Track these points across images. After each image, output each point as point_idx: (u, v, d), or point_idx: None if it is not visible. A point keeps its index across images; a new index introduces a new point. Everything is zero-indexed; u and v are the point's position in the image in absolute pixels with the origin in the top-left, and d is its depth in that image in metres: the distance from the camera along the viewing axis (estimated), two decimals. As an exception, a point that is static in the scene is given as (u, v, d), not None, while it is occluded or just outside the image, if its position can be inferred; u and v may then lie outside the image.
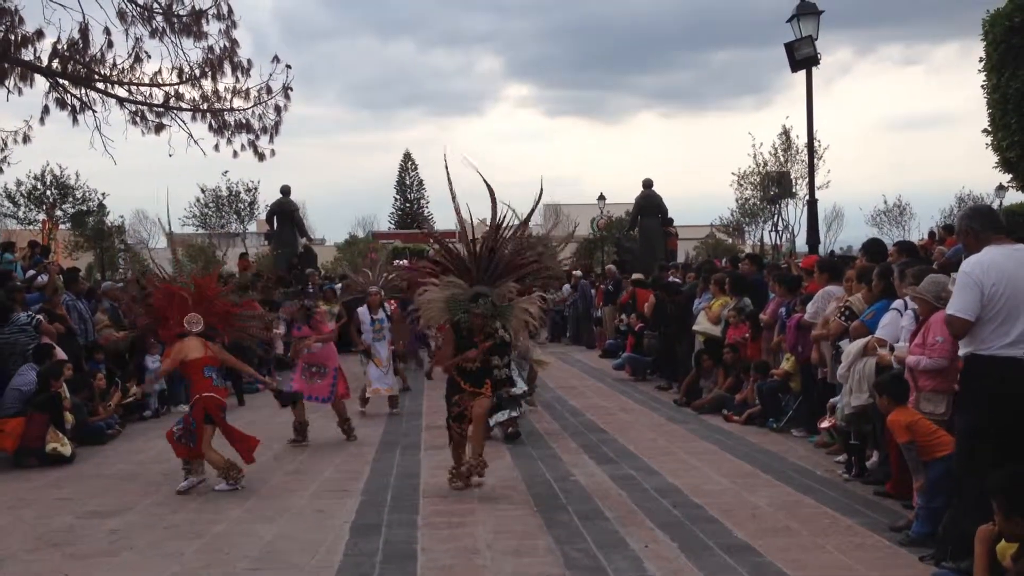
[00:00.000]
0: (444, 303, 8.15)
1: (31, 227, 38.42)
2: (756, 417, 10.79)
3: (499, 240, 8.30)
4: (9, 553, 6.39)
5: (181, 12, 15.15)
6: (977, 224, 5.65)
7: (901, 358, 6.71)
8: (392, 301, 13.68)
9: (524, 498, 7.63)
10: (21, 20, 14.46)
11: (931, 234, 21.52)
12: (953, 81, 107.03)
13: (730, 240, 48.40)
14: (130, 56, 15.23)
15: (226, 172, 45.25)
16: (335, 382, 10.59)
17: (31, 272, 14.95)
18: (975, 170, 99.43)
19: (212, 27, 15.28)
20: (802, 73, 16.60)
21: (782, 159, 42.55)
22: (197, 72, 15.58)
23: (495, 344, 8.01)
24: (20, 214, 40.94)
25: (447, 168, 8.35)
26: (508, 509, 7.24)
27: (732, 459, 9.01)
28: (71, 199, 41.50)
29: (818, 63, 16.44)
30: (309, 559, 6.05)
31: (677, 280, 16.18)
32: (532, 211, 8.84)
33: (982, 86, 20.07)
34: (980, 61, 19.80)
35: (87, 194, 41.55)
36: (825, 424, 8.74)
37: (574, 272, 23.65)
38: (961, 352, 5.59)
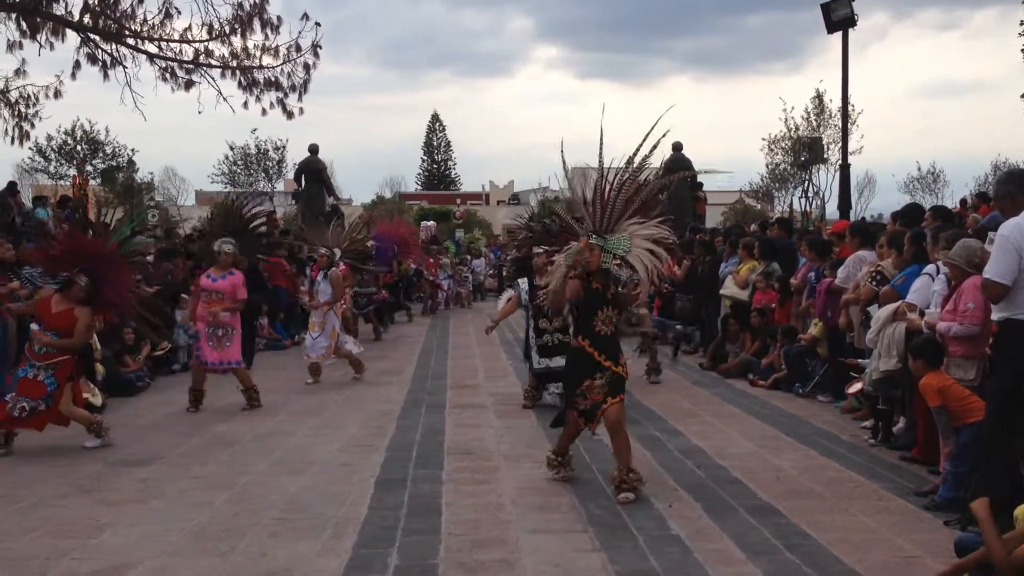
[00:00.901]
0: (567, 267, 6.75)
1: (62, 182, 38.79)
2: (782, 382, 10.75)
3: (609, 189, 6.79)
4: (41, 498, 6.52)
5: (211, -33, 15.12)
6: (1015, 187, 5.56)
7: (932, 324, 6.63)
8: (344, 265, 13.20)
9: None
10: (52, -26, 14.51)
11: (963, 202, 21.17)
12: (991, 47, 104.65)
13: (759, 206, 47.93)
14: (160, 12, 15.29)
15: (255, 130, 45.29)
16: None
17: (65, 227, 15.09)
18: (1012, 137, 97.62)
19: (242, -17, 15.25)
20: (836, 37, 16.43)
21: (814, 124, 41.96)
22: (227, 29, 15.58)
23: (616, 294, 6.58)
24: (51, 169, 41.31)
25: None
26: (533, 467, 7.27)
27: (757, 422, 8.99)
28: (101, 154, 41.78)
29: (855, 24, 16.20)
30: (335, 511, 6.11)
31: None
32: (640, 152, 6.89)
33: (1022, 50, 19.69)
34: (1021, 24, 19.40)
35: (117, 150, 41.85)
36: (853, 389, 8.68)
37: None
38: (995, 317, 5.52)
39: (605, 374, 6.45)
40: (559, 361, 8.98)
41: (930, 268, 7.22)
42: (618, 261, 6.59)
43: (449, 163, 79.53)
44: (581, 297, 6.51)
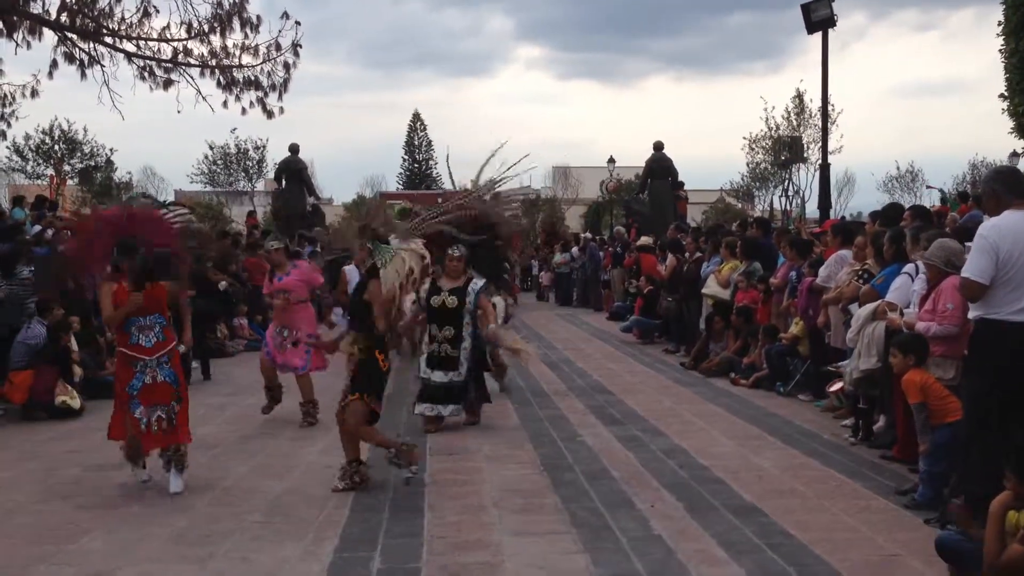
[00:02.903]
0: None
1: (39, 182, 38.46)
2: (763, 381, 10.79)
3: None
4: (18, 504, 6.45)
5: (189, -34, 15.02)
6: (1000, 186, 5.54)
7: (910, 324, 6.67)
8: None
9: (531, 457, 7.66)
10: (29, -27, 14.36)
11: (943, 200, 21.38)
12: (969, 47, 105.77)
13: (740, 205, 48.18)
14: (138, 11, 15.13)
15: (234, 129, 45.09)
16: (310, 350, 9.22)
17: (37, 227, 14.94)
18: (989, 137, 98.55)
19: (221, -18, 15.15)
20: (816, 38, 16.50)
21: (795, 123, 42.24)
22: (206, 28, 15.46)
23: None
24: (28, 169, 40.95)
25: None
26: (515, 468, 7.27)
27: (739, 422, 9.01)
28: (79, 154, 41.45)
29: (835, 24, 16.28)
30: (317, 514, 6.08)
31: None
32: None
33: (999, 50, 19.87)
34: (999, 25, 19.58)
35: (95, 149, 41.54)
36: (834, 388, 8.73)
37: (582, 234, 23.61)
38: (971, 316, 5.56)
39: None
40: (439, 377, 8.69)
41: (909, 267, 7.27)
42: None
43: (431, 162, 79.42)
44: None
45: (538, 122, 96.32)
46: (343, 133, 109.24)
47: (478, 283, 8.85)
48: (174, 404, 6.77)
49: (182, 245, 7.41)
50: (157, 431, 6.70)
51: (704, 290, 12.90)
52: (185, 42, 15.55)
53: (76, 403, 9.66)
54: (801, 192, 42.79)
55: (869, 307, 7.53)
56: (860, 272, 8.21)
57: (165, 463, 6.81)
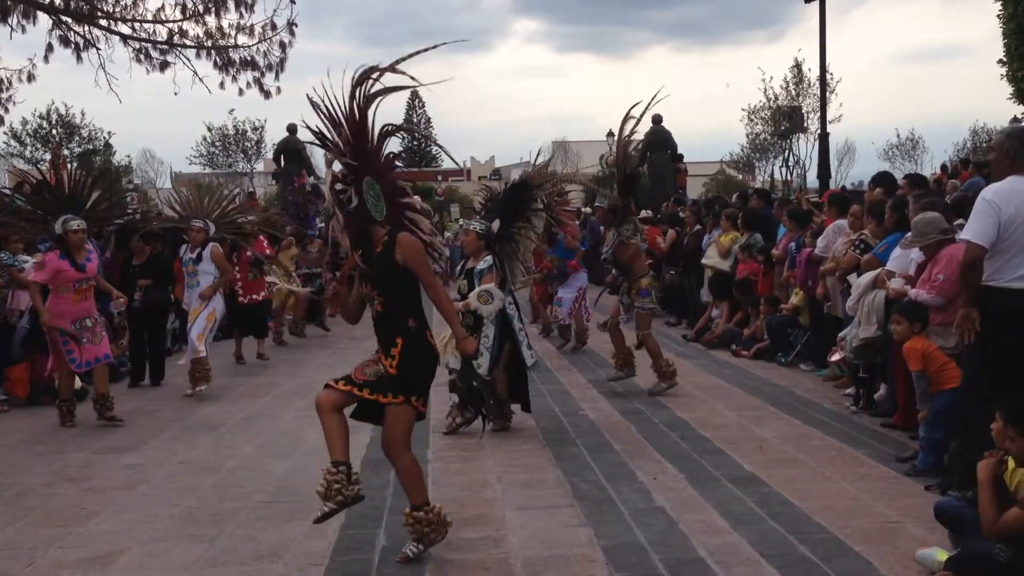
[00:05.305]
0: None
1: (38, 166, 38.37)
2: (765, 352, 10.83)
3: None
4: (27, 487, 6.50)
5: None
6: (1020, 147, 5.33)
7: (901, 291, 6.69)
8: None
9: (533, 432, 7.71)
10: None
11: (944, 168, 21.31)
12: (968, 12, 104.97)
13: (740, 176, 48.07)
14: (132, -8, 15.09)
15: (232, 110, 45.12)
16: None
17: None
18: (990, 103, 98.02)
19: (214, -39, 15.11)
20: (816, 5, 16.35)
21: (793, 93, 42.07)
22: (200, 8, 15.46)
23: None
24: (27, 153, 40.93)
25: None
26: (517, 443, 7.32)
27: (740, 393, 9.06)
28: (77, 138, 41.42)
29: (831, -7, 16.14)
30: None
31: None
32: None
33: (998, 16, 19.73)
34: (997, -11, 19.41)
35: (93, 133, 41.51)
36: (835, 357, 8.76)
37: (583, 208, 23.58)
38: (971, 282, 5.55)
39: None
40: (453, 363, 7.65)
41: (910, 235, 7.26)
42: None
43: (429, 140, 79.15)
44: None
45: (538, 96, 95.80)
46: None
47: (486, 262, 7.59)
48: None
49: None
50: None
51: (704, 260, 12.91)
52: (180, 23, 15.58)
53: (77, 384, 9.65)
54: (801, 162, 42.72)
55: (869, 275, 7.54)
56: (856, 242, 8.21)
57: None
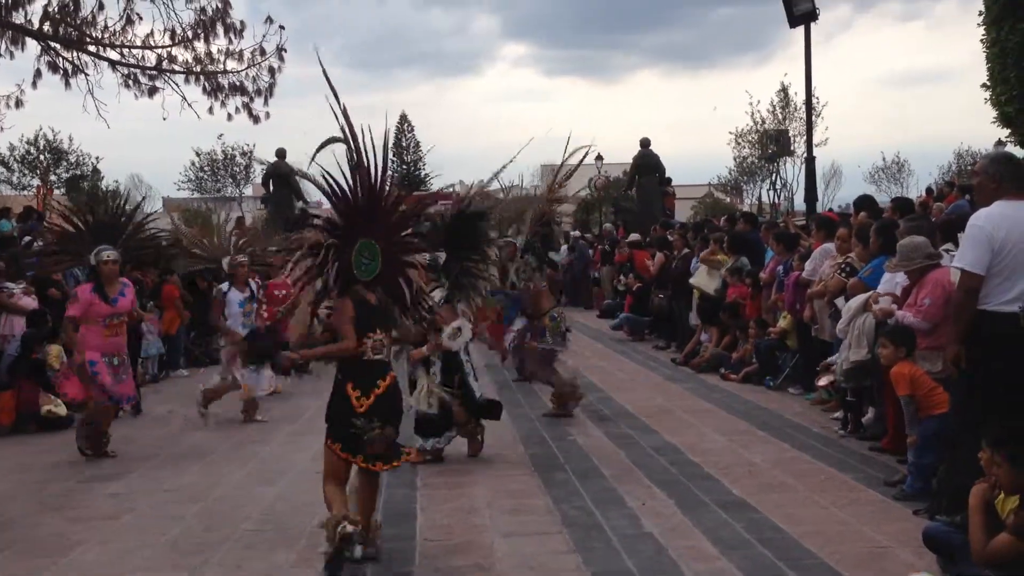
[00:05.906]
0: None
1: (25, 192, 38.30)
2: (753, 375, 10.83)
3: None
4: (11, 517, 6.43)
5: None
6: (1004, 171, 5.35)
7: (888, 312, 6.72)
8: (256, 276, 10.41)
9: (522, 458, 7.68)
10: (11, -18, 14.32)
11: (929, 191, 21.45)
12: (953, 36, 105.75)
13: (728, 199, 48.27)
14: (121, 18, 15.15)
15: (221, 135, 45.14)
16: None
17: (27, 238, 14.91)
18: (974, 126, 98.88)
19: (204, -13, 15.15)
20: (802, 30, 16.48)
21: (780, 117, 42.37)
22: (189, 34, 15.47)
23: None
24: (14, 179, 40.84)
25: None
26: (506, 469, 7.29)
27: (729, 417, 9.06)
28: (65, 163, 41.37)
29: (816, 18, 16.30)
30: (310, 520, 6.06)
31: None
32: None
33: (981, 40, 19.96)
34: (980, 15, 19.67)
35: (81, 158, 41.45)
36: (823, 381, 8.77)
37: (571, 232, 23.60)
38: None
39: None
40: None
41: (895, 259, 7.29)
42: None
43: (419, 163, 79.31)
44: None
45: (526, 120, 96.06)
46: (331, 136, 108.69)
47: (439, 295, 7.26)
48: None
49: None
50: None
51: (692, 280, 12.91)
52: (169, 49, 15.57)
53: (62, 410, 9.61)
54: (789, 185, 42.97)
55: (860, 298, 7.55)
56: (843, 265, 8.25)
57: None
